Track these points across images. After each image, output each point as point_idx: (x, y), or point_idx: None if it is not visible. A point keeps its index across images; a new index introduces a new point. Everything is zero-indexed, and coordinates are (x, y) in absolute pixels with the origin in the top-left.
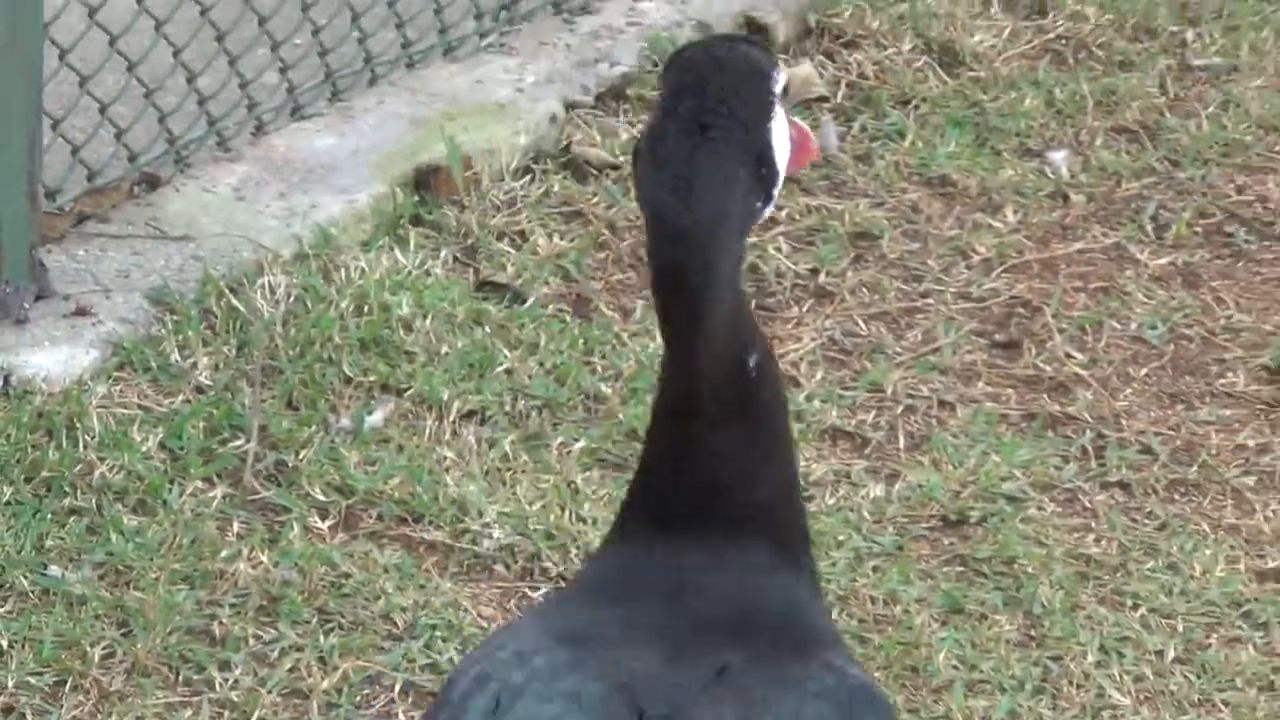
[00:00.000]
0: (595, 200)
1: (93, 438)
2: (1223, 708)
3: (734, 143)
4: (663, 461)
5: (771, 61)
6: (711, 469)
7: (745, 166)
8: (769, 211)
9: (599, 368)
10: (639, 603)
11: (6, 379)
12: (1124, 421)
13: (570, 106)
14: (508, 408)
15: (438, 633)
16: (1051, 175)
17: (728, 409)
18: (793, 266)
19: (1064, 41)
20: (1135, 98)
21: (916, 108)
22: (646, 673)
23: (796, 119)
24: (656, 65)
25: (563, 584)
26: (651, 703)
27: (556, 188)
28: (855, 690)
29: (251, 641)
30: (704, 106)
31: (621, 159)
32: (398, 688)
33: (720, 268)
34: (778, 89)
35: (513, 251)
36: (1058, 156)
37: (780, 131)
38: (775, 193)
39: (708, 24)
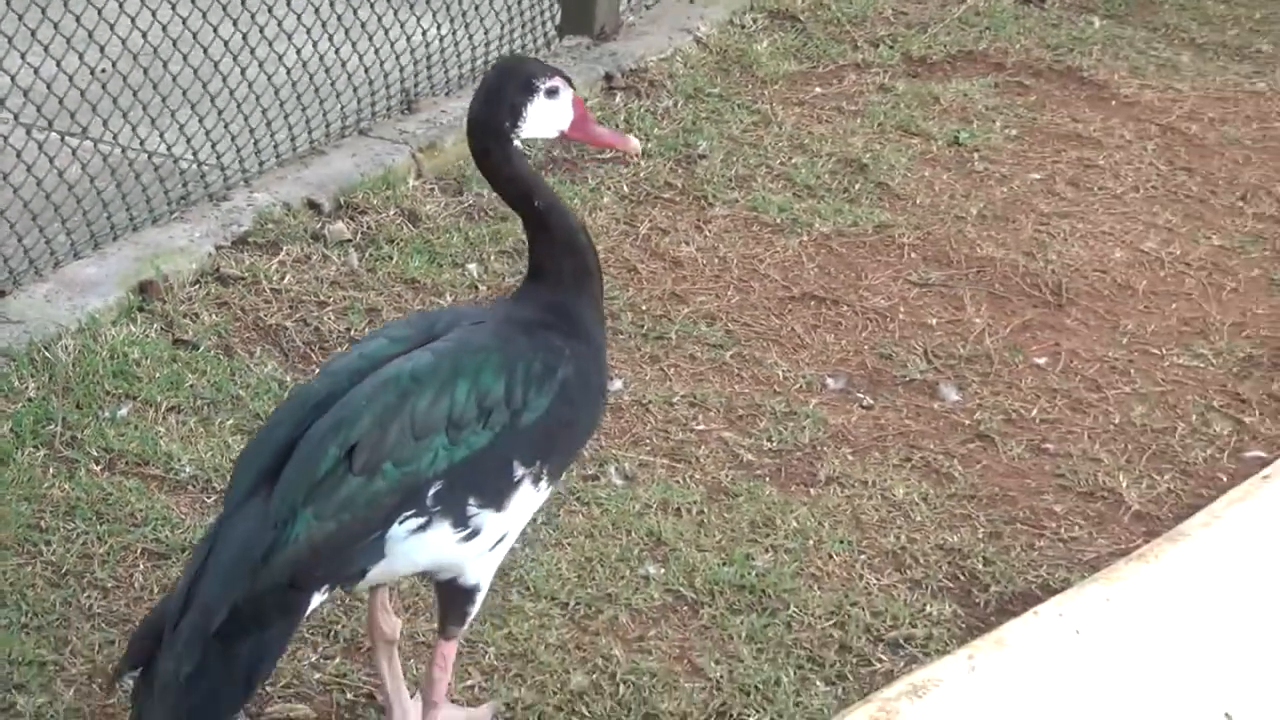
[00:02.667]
0: (234, 296)
1: None
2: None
3: (501, 97)
4: (529, 250)
5: (536, 70)
6: (539, 255)
7: (507, 107)
8: (520, 134)
9: (238, 382)
10: (498, 308)
11: None
12: None
13: (219, 248)
14: (193, 403)
15: (160, 522)
16: (468, 277)
17: (535, 225)
18: (336, 326)
19: (473, 206)
20: (512, 236)
21: (399, 244)
22: (455, 322)
23: (604, 129)
24: (266, 226)
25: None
26: (441, 330)
27: (213, 290)
28: (545, 343)
29: (61, 529)
30: (492, 85)
31: (247, 274)
32: (140, 550)
33: (497, 149)
34: (543, 84)
35: (190, 323)
36: (472, 267)
37: (541, 106)
38: (521, 124)
39: (289, 203)
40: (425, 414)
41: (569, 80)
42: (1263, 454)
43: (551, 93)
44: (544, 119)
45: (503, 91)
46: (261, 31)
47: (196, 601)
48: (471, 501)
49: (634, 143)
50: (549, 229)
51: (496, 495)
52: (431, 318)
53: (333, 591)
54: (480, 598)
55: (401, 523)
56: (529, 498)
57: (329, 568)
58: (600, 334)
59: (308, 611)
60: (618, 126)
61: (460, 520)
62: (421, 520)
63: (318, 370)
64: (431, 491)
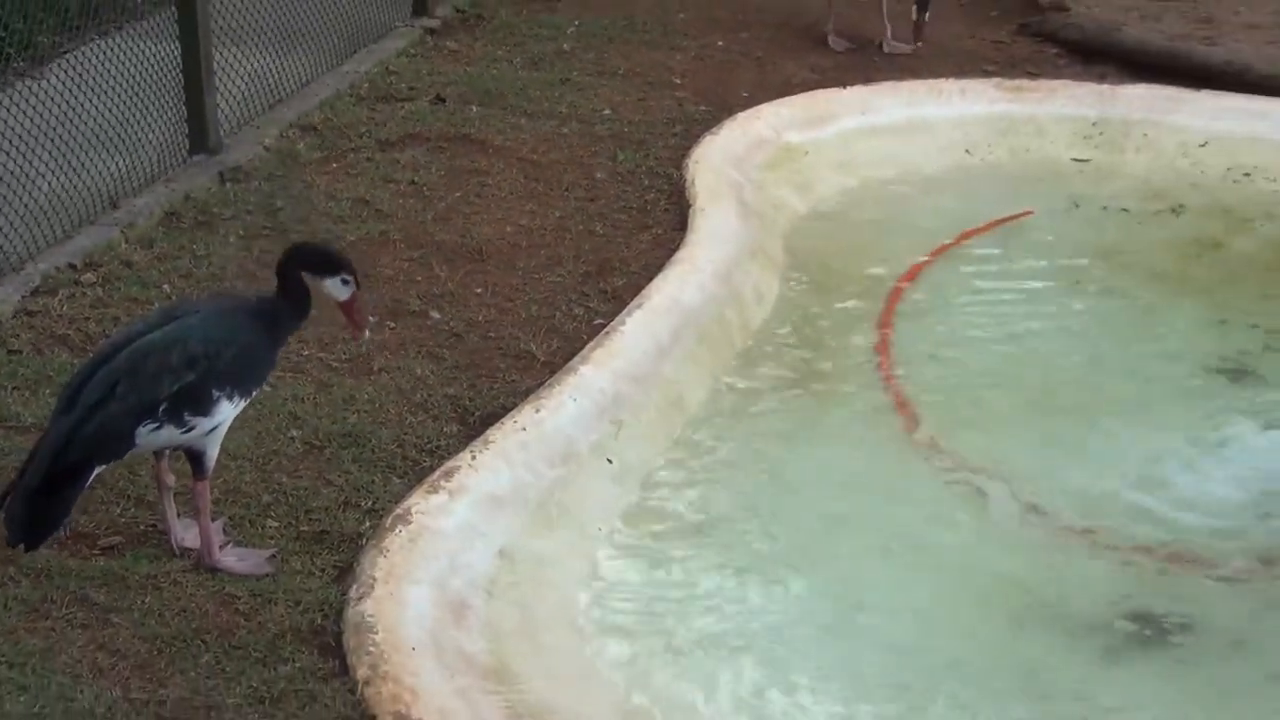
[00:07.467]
0: (37, 321)
1: None
2: None
3: (291, 269)
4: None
5: (350, 265)
6: (285, 290)
7: (305, 276)
8: (320, 287)
9: (47, 368)
10: (213, 302)
11: None
12: None
13: (23, 297)
14: (26, 383)
15: (19, 452)
16: (164, 294)
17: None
18: (97, 330)
19: (161, 253)
20: (182, 268)
21: (123, 280)
22: (187, 311)
23: (360, 316)
24: (48, 280)
25: None
26: (179, 316)
27: (24, 320)
28: (237, 322)
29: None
30: (324, 253)
31: (41, 309)
32: (9, 468)
33: (289, 274)
34: (345, 275)
35: (15, 339)
36: (166, 287)
37: (334, 282)
38: (323, 281)
39: (59, 267)
40: (156, 365)
41: (359, 282)
42: (603, 321)
43: (345, 281)
44: (334, 290)
45: (329, 261)
46: (28, 177)
47: (27, 473)
48: (186, 412)
49: (366, 334)
50: (289, 289)
51: (203, 408)
52: (170, 307)
53: (107, 467)
54: (208, 458)
55: (143, 425)
56: (227, 408)
57: (102, 453)
58: (285, 332)
59: (91, 478)
60: (230, 202)
61: (180, 423)
62: (156, 424)
63: (100, 343)
64: (161, 408)
